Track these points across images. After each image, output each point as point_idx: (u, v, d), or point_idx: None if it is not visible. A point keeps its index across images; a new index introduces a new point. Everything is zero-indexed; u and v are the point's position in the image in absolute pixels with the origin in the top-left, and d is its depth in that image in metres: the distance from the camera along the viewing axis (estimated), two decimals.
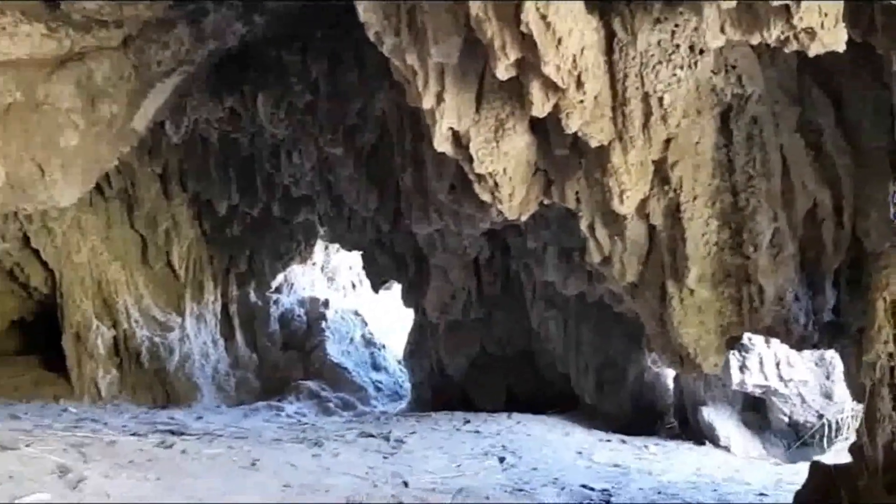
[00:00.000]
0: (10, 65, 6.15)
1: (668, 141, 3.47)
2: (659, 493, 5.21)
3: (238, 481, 4.81)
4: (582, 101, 3.09)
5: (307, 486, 4.83)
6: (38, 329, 10.70)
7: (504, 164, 3.64)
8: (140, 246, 10.33)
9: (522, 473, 5.71)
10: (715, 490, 5.35)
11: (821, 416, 6.78)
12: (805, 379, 6.77)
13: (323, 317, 12.13)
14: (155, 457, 5.13)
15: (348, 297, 13.50)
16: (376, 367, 12.36)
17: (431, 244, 8.65)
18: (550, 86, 3.03)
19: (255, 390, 10.95)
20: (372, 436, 6.89)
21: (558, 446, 6.83)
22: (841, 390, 6.32)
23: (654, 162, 3.51)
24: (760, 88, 3.57)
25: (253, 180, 9.49)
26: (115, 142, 6.87)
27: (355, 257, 11.65)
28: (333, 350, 11.77)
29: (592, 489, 5.24)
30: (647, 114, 3.28)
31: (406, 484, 5.12)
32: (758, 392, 7.01)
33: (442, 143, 3.59)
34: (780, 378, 6.78)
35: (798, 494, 4.15)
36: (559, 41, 2.86)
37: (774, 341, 5.36)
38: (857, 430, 3.77)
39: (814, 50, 2.65)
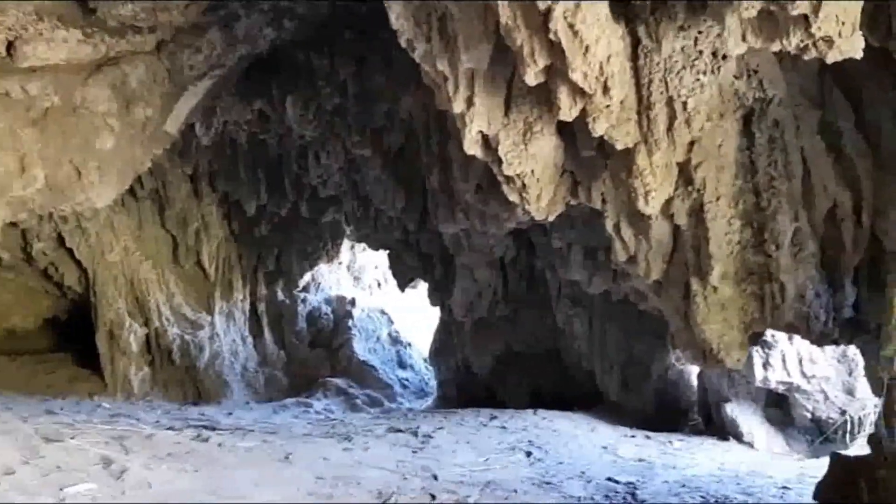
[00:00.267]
0: (48, 70, 6.31)
1: (691, 143, 3.56)
2: (683, 486, 5.29)
3: (273, 473, 4.95)
4: (608, 106, 3.20)
5: (340, 478, 4.96)
6: (72, 327, 10.91)
7: (532, 166, 3.75)
8: (171, 245, 10.52)
9: (549, 467, 5.80)
10: (738, 483, 5.42)
11: (843, 412, 6.82)
12: (827, 375, 6.82)
13: (349, 315, 12.27)
14: (192, 450, 5.29)
15: (374, 296, 13.63)
16: (402, 364, 12.48)
17: (458, 244, 8.75)
18: (578, 91, 3.14)
19: (283, 387, 11.11)
20: (400, 431, 7.00)
21: (584, 441, 6.90)
22: (863, 386, 6.37)
23: (678, 164, 3.61)
24: (782, 92, 3.66)
25: (281, 181, 9.64)
26: (148, 144, 7.03)
27: (381, 256, 11.77)
28: (360, 348, 11.91)
29: (618, 482, 5.32)
30: (672, 117, 3.38)
31: (436, 477, 5.23)
32: (781, 389, 7.06)
33: (472, 146, 3.71)
34: (803, 375, 6.83)
35: (818, 486, 4.22)
36: (586, 49, 2.97)
37: (797, 338, 5.42)
38: (875, 423, 3.85)
39: (832, 57, 2.74)
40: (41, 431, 4.91)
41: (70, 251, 9.80)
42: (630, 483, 5.29)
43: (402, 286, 10.78)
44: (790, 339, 6.55)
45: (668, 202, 3.74)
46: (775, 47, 2.82)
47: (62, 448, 4.51)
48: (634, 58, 3.32)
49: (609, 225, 4.06)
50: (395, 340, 12.77)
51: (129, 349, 9.89)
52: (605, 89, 3.12)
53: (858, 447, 6.20)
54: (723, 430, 7.54)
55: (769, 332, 5.92)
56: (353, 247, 12.96)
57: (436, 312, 10.91)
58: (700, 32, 3.28)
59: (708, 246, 3.72)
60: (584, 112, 3.25)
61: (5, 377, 9.59)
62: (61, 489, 3.79)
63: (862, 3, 2.66)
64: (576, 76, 3.03)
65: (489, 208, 6.56)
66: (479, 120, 3.60)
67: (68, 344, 11.05)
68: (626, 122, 3.37)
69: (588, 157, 3.84)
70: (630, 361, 8.51)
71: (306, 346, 11.85)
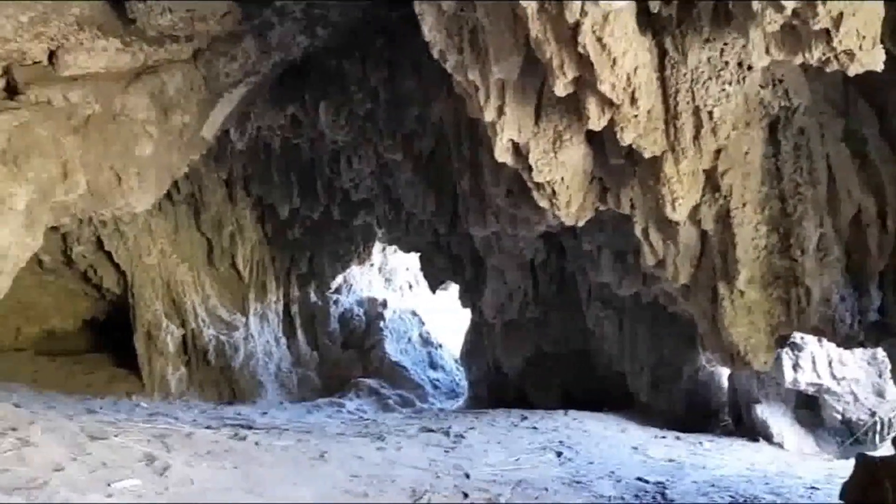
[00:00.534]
0: (89, 78, 6.47)
1: (718, 151, 3.63)
2: (712, 485, 5.34)
3: (309, 471, 5.08)
4: (636, 116, 3.28)
5: (374, 476, 5.07)
6: (110, 328, 11.13)
7: (562, 173, 3.85)
8: (206, 248, 10.73)
9: (579, 467, 5.88)
10: (767, 483, 5.46)
11: (873, 414, 6.83)
12: (857, 377, 6.83)
13: (381, 316, 12.40)
14: (231, 448, 5.42)
15: (405, 298, 13.75)
16: (433, 365, 12.58)
17: (488, 246, 8.83)
18: (606, 102, 3.23)
19: (316, 387, 11.26)
20: (432, 431, 7.11)
21: (614, 442, 6.97)
22: (893, 388, 6.39)
23: (705, 171, 3.67)
24: (807, 101, 3.72)
25: (313, 185, 9.76)
26: (185, 150, 7.18)
27: (412, 258, 11.88)
28: (391, 349, 12.03)
29: (647, 482, 5.39)
30: (698, 127, 3.46)
31: (467, 476, 5.33)
32: (811, 390, 7.08)
33: (502, 154, 3.81)
34: (833, 376, 6.85)
35: (844, 487, 4.27)
36: (614, 61, 3.06)
37: (826, 340, 5.46)
38: None
39: (853, 70, 2.80)
40: (86, 429, 5.07)
41: (109, 254, 10.02)
42: (659, 483, 5.36)
43: (433, 288, 10.89)
44: (820, 341, 6.58)
45: (696, 208, 3.81)
46: (798, 60, 2.89)
47: (107, 445, 4.66)
48: (661, 68, 3.40)
49: (638, 230, 4.14)
50: (426, 341, 12.88)
51: (166, 350, 10.09)
52: (633, 100, 3.21)
53: (888, 448, 6.21)
54: (753, 431, 7.56)
55: (798, 334, 5.98)
56: (384, 249, 13.07)
57: (466, 314, 11.00)
58: (726, 44, 3.35)
59: (735, 251, 3.78)
60: (612, 122, 3.33)
61: (46, 377, 9.81)
62: (108, 485, 3.93)
63: (882, 17, 2.72)
64: (604, 87, 3.12)
65: (520, 212, 6.62)
66: (510, 129, 3.70)
67: (107, 344, 11.26)
68: (653, 132, 3.44)
69: (617, 164, 3.92)
70: (660, 363, 8.54)
71: (338, 347, 12.00)
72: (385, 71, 7.51)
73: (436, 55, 3.76)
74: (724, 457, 6.54)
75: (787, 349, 6.84)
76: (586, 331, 9.42)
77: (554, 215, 4.32)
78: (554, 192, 3.94)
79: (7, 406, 5.18)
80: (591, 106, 3.28)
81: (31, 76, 6.22)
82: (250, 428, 6.67)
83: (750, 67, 3.39)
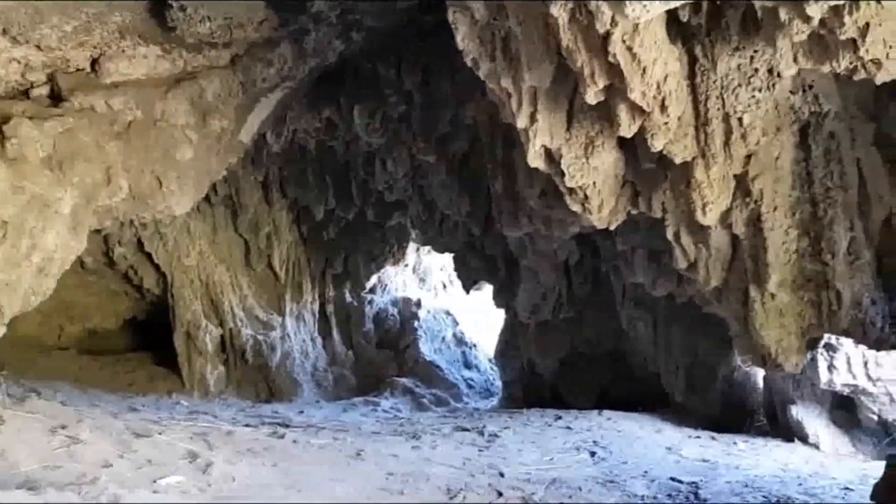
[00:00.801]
0: (130, 85, 6.63)
1: (748, 156, 3.68)
2: (746, 486, 5.35)
3: (345, 469, 5.18)
4: (666, 123, 3.35)
5: (409, 474, 5.16)
6: (151, 328, 11.32)
7: (593, 178, 3.91)
8: (243, 249, 10.90)
9: (613, 466, 5.91)
10: (800, 484, 5.46)
11: None
12: (893, 378, 6.79)
13: (415, 316, 12.48)
14: (270, 446, 5.54)
15: (439, 298, 13.83)
16: (468, 365, 12.65)
17: (522, 247, 8.87)
18: (637, 109, 3.30)
19: (351, 387, 11.37)
20: (467, 430, 7.18)
21: (648, 442, 6.98)
22: None
23: (735, 176, 3.72)
24: (837, 106, 3.75)
25: (348, 186, 9.90)
26: (223, 154, 7.32)
27: (446, 258, 11.96)
28: (426, 348, 12.11)
29: (681, 482, 5.41)
30: (728, 132, 3.51)
31: (502, 474, 5.40)
32: (846, 391, 7.05)
33: (535, 160, 3.88)
34: (868, 377, 6.81)
35: (875, 487, 4.29)
36: (644, 70, 3.12)
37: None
38: None
39: (880, 78, 2.84)
40: (131, 427, 5.22)
41: (149, 255, 10.20)
42: (693, 483, 5.38)
43: (467, 288, 10.97)
44: (855, 342, 6.55)
45: (727, 212, 3.85)
46: (826, 69, 2.94)
47: (151, 443, 4.80)
48: (692, 75, 3.46)
49: (669, 233, 4.19)
50: (460, 341, 12.94)
51: (204, 349, 10.26)
52: (663, 107, 3.27)
53: None
54: (788, 431, 7.53)
55: (834, 336, 5.97)
56: (418, 249, 13.15)
57: (500, 313, 11.05)
58: (756, 51, 3.40)
59: (766, 254, 3.82)
60: (643, 128, 3.40)
61: (89, 375, 10.00)
62: (154, 481, 4.06)
63: None
64: (634, 95, 3.19)
65: (553, 213, 6.67)
66: (542, 135, 3.78)
67: (147, 344, 11.45)
68: (683, 138, 3.50)
69: (648, 168, 3.97)
70: (695, 363, 8.52)
71: (373, 347, 12.10)
72: (419, 74, 7.60)
73: (469, 63, 3.85)
74: (759, 457, 6.53)
75: (822, 350, 6.82)
76: (621, 331, 9.41)
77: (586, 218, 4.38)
78: (586, 196, 4.01)
79: (56, 405, 5.35)
80: (622, 113, 3.34)
81: (75, 83, 6.38)
82: (287, 426, 6.79)
83: (779, 74, 3.43)
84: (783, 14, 2.73)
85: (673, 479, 5.52)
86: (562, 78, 3.60)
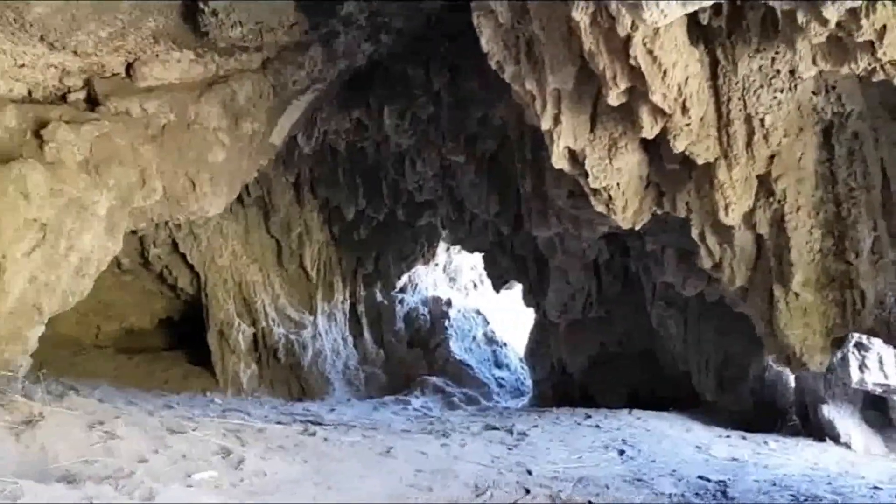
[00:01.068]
0: (164, 89, 6.76)
1: (772, 157, 3.70)
2: (774, 484, 5.35)
3: (375, 466, 5.25)
4: (688, 125, 3.39)
5: (438, 471, 5.22)
6: (185, 327, 11.49)
7: (617, 179, 3.96)
8: (275, 249, 11.03)
9: (641, 465, 5.92)
10: (829, 483, 5.44)
11: None
12: None
13: (446, 315, 12.55)
14: (301, 443, 5.63)
15: (470, 297, 13.88)
16: (498, 364, 12.69)
17: (551, 247, 8.90)
18: (658, 111, 3.34)
19: (382, 385, 11.47)
20: (496, 428, 7.22)
21: (678, 441, 6.97)
22: None
23: (758, 176, 3.75)
24: (860, 106, 3.76)
25: (378, 187, 10.00)
26: (255, 156, 7.44)
27: (476, 258, 12.01)
28: (456, 347, 12.18)
29: (709, 480, 5.42)
30: (750, 133, 3.54)
31: (530, 472, 5.44)
32: (878, 391, 6.99)
33: (559, 161, 3.93)
34: None
35: None
36: (665, 72, 3.17)
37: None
38: None
39: None
40: (165, 423, 5.33)
41: (183, 256, 10.36)
42: (721, 481, 5.38)
43: (497, 288, 11.02)
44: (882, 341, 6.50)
45: (751, 212, 3.88)
46: (844, 70, 2.96)
47: (185, 439, 4.90)
48: (714, 77, 3.49)
49: (694, 233, 4.22)
50: (490, 340, 12.99)
51: (238, 348, 10.41)
52: (684, 109, 3.31)
53: None
54: (820, 431, 7.49)
55: (865, 335, 5.95)
56: (448, 249, 13.22)
57: (531, 313, 11.08)
58: (777, 52, 3.43)
59: (789, 254, 3.84)
60: (665, 130, 3.43)
61: (125, 373, 10.18)
62: (188, 476, 4.16)
63: None
64: (655, 98, 3.23)
65: (582, 213, 6.69)
66: (566, 136, 3.83)
67: (182, 343, 11.63)
68: (705, 139, 3.53)
69: (672, 169, 4.01)
70: (726, 362, 8.50)
71: (404, 346, 12.19)
72: (448, 75, 7.65)
73: (493, 66, 3.91)
74: (789, 456, 6.50)
75: (853, 349, 6.79)
76: (651, 330, 9.40)
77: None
78: (610, 197, 4.06)
79: (93, 401, 5.48)
80: (644, 115, 3.39)
81: (111, 88, 6.52)
82: (319, 424, 6.88)
83: (801, 76, 3.45)
84: (801, 16, 2.76)
85: (701, 477, 5.52)
86: (585, 80, 3.65)
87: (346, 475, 4.87)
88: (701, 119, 3.45)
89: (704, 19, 3.26)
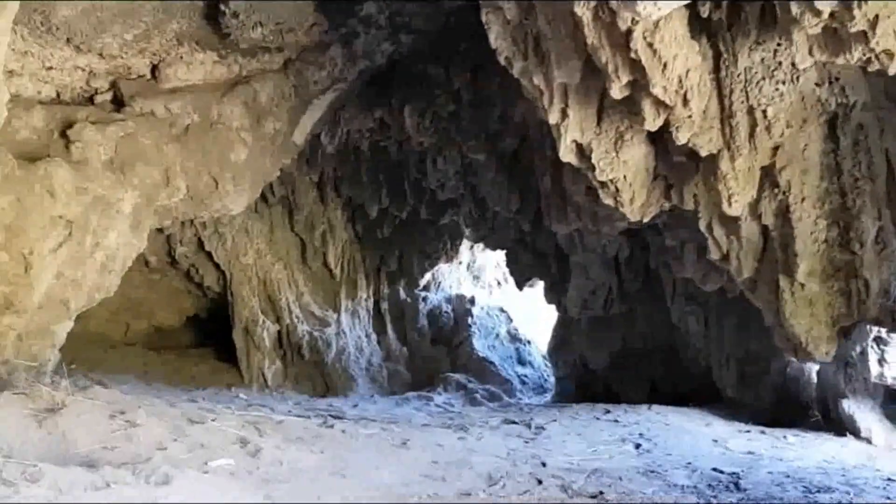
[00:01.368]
0: (188, 90, 6.91)
1: (775, 148, 3.75)
2: (787, 476, 5.35)
3: (391, 456, 5.34)
4: (689, 117, 3.44)
5: (453, 462, 5.30)
6: (212, 324, 11.66)
7: (624, 171, 4.02)
8: (299, 247, 11.18)
9: (656, 458, 5.94)
10: (843, 475, 5.43)
11: None
12: None
13: (469, 313, 12.61)
14: (319, 434, 5.74)
15: (494, 295, 13.93)
16: (522, 361, 12.73)
17: (571, 243, 8.94)
18: (660, 103, 3.40)
19: (406, 382, 11.57)
20: (514, 423, 7.27)
21: (696, 435, 6.97)
22: None
23: (763, 167, 3.79)
24: (864, 97, 3.80)
25: (401, 185, 10.07)
26: (277, 155, 7.56)
27: (500, 256, 12.06)
28: (479, 345, 12.24)
29: (722, 472, 5.42)
30: (753, 125, 3.59)
31: (544, 464, 5.49)
32: None
33: (567, 155, 4.01)
34: None
35: None
36: (665, 65, 3.23)
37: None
38: None
39: (894, 69, 2.90)
40: (186, 414, 5.46)
41: (209, 254, 10.53)
42: (734, 473, 5.39)
43: (520, 285, 11.07)
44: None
45: (757, 204, 3.92)
46: (840, 61, 3.00)
47: (205, 429, 5.02)
48: (717, 70, 3.54)
49: (702, 225, 4.27)
50: (514, 338, 13.03)
51: (262, 344, 10.55)
52: (685, 101, 3.37)
53: None
54: (840, 426, 7.47)
55: (884, 329, 5.94)
56: (472, 247, 13.26)
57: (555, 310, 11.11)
58: (779, 44, 3.47)
59: (794, 244, 3.88)
60: (668, 122, 3.49)
61: (153, 370, 10.35)
62: (205, 462, 4.28)
63: None
64: (656, 90, 3.29)
65: (600, 209, 6.73)
66: (573, 130, 3.90)
67: (209, 340, 11.80)
68: (708, 130, 3.59)
69: (679, 162, 4.06)
70: (747, 357, 8.48)
71: (428, 343, 12.27)
72: (468, 74, 7.69)
73: (503, 61, 3.99)
74: (806, 450, 6.49)
75: (872, 343, 6.77)
76: (672, 326, 9.42)
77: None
78: (617, 189, 4.12)
79: (116, 392, 5.62)
80: (647, 107, 3.45)
81: (136, 89, 6.68)
82: (339, 418, 6.98)
83: (799, 66, 3.49)
84: (795, 8, 2.81)
85: (715, 469, 5.54)
86: (591, 75, 3.71)
87: (362, 465, 4.96)
88: (704, 111, 3.51)
89: (704, 12, 3.31)
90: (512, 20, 3.81)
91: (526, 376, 12.28)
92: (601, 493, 4.77)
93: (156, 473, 3.58)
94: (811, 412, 8.19)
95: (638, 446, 6.40)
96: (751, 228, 4.07)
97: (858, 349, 6.85)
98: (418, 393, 10.61)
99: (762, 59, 3.50)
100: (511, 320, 13.26)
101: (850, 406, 7.40)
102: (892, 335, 6.71)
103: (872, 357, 6.90)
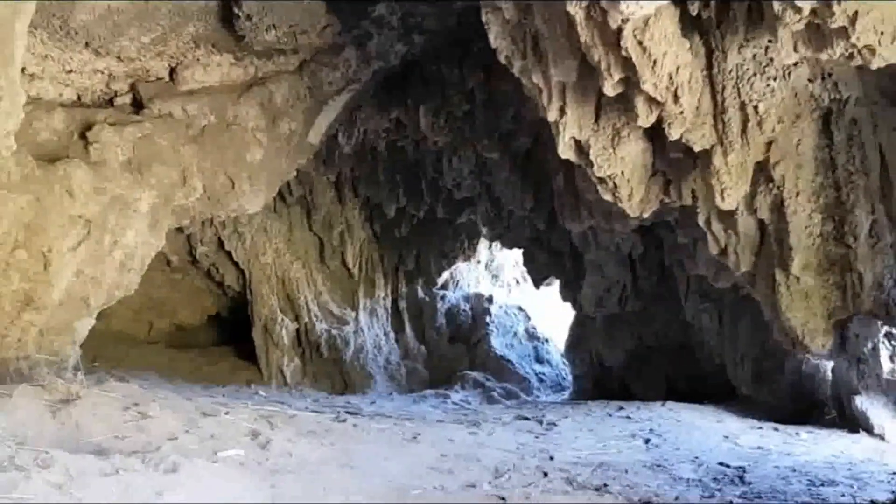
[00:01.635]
0: (204, 91, 7.05)
1: (769, 143, 3.81)
2: (793, 470, 5.38)
3: (401, 450, 5.42)
4: (681, 113, 3.51)
5: (461, 455, 5.37)
6: (232, 322, 11.84)
7: (621, 167, 4.09)
8: (318, 247, 11.32)
9: (665, 452, 5.98)
10: (849, 469, 5.45)
11: None
12: None
13: (487, 312, 12.67)
14: (330, 428, 5.84)
15: (512, 293, 13.98)
16: (539, 359, 12.76)
17: (585, 241, 8.99)
18: (652, 100, 3.47)
19: (423, 380, 11.65)
20: (527, 419, 7.33)
21: (707, 431, 6.98)
22: None
23: (758, 162, 3.85)
24: (858, 92, 3.84)
25: (418, 184, 10.17)
26: (293, 155, 7.68)
27: (518, 255, 12.11)
28: (497, 343, 12.29)
29: (728, 466, 5.46)
30: (745, 121, 3.65)
31: (551, 458, 5.55)
32: None
33: (566, 151, 4.09)
34: None
35: None
36: (655, 62, 3.30)
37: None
38: None
39: (875, 63, 2.95)
40: (199, 407, 5.59)
41: (229, 254, 10.69)
42: (740, 467, 5.42)
43: (537, 283, 11.13)
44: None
45: (752, 198, 3.98)
46: (824, 56, 3.06)
47: (217, 421, 5.14)
48: (709, 66, 3.61)
49: (700, 220, 4.33)
50: (531, 336, 13.07)
51: (281, 342, 10.69)
52: (676, 98, 3.44)
53: None
54: (854, 422, 7.47)
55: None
56: (490, 245, 13.32)
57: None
58: (770, 41, 3.53)
59: (789, 239, 3.93)
60: (661, 118, 3.56)
61: (175, 367, 10.51)
62: (215, 453, 4.40)
63: None
64: (647, 87, 3.36)
65: (612, 206, 6.78)
66: (572, 127, 3.98)
67: (229, 338, 11.96)
68: (701, 126, 3.65)
69: (677, 157, 4.13)
70: (762, 355, 8.47)
71: (446, 342, 12.33)
72: (481, 73, 7.77)
73: (503, 60, 4.08)
74: (817, 446, 6.50)
75: (884, 340, 6.78)
76: (687, 324, 9.43)
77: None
78: (615, 185, 4.19)
79: (131, 386, 5.76)
80: (639, 104, 3.52)
81: (154, 91, 6.82)
82: (353, 414, 7.08)
83: (796, 63, 3.55)
84: (776, 5, 2.87)
85: (721, 463, 5.58)
86: (589, 72, 3.78)
87: (371, 458, 5.05)
88: (696, 107, 3.57)
89: (694, 10, 3.38)
90: (511, 20, 3.90)
91: (544, 374, 12.32)
92: (605, 485, 4.83)
93: (164, 462, 3.70)
94: (826, 409, 8.18)
95: (647, 441, 6.44)
96: (747, 223, 4.13)
97: (870, 345, 6.86)
98: (435, 391, 10.67)
99: (753, 56, 3.56)
100: (529, 318, 13.30)
101: (862, 402, 7.39)
102: None
103: (884, 353, 6.91)
